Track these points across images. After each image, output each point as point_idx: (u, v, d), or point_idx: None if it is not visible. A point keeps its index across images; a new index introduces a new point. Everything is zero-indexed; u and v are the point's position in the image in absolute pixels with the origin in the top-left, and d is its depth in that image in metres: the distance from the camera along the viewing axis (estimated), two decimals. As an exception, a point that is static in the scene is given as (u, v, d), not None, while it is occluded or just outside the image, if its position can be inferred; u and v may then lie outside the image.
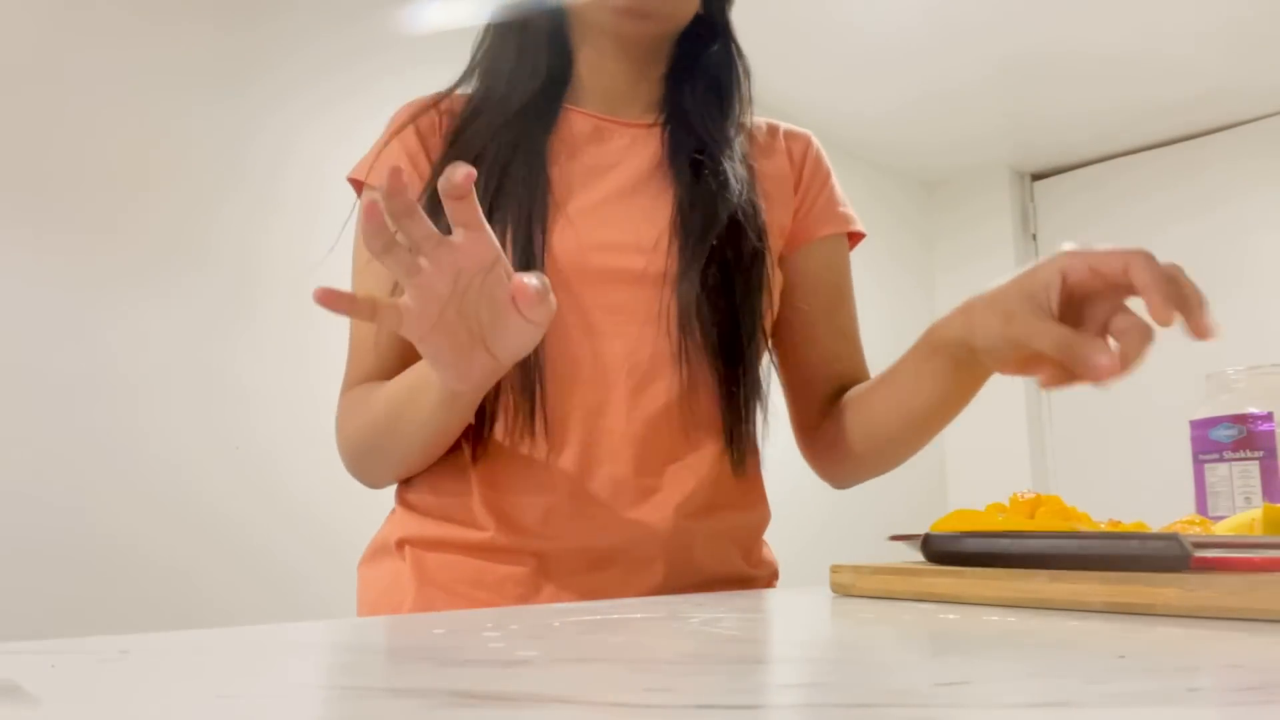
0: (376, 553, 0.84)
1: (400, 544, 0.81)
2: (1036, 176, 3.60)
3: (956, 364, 0.74)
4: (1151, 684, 0.30)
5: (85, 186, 1.64)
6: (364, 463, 0.80)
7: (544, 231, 0.76)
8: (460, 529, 0.78)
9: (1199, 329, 0.56)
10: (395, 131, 0.84)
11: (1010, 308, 0.64)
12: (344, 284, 0.80)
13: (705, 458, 0.80)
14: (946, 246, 3.62)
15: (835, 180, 0.93)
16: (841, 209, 0.92)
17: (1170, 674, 0.32)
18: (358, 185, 0.84)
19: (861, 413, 0.84)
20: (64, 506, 1.56)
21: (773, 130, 0.92)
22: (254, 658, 0.38)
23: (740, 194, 0.82)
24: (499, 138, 0.79)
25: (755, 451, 0.84)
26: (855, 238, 0.94)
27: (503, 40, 0.84)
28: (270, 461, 1.75)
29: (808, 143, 0.93)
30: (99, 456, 1.60)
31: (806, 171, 0.91)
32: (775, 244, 0.86)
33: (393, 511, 0.85)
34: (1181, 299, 0.57)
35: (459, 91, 0.86)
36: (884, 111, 3.08)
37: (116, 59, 1.70)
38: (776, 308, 0.86)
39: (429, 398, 0.69)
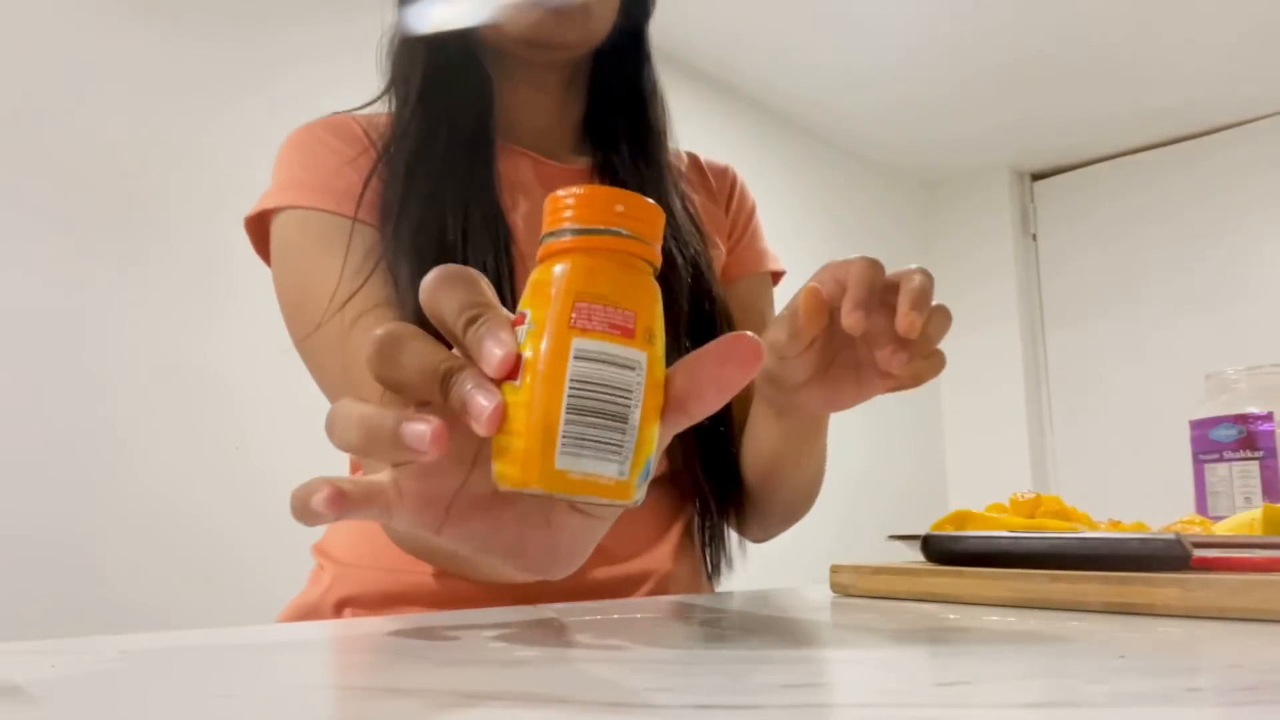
0: (301, 616, 0.73)
1: (340, 606, 0.71)
2: (1036, 176, 3.60)
3: (778, 411, 0.69)
4: (1151, 684, 0.30)
5: (68, 181, 1.64)
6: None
7: (514, 289, 0.68)
8: (424, 579, 0.69)
9: (900, 324, 0.53)
10: (311, 148, 0.73)
11: (771, 330, 0.62)
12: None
13: (684, 510, 0.79)
14: (946, 246, 3.62)
15: (758, 217, 0.89)
16: (762, 246, 0.88)
17: (1170, 674, 0.32)
18: (259, 224, 0.73)
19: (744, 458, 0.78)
20: (47, 505, 1.56)
21: (695, 163, 0.88)
22: (254, 658, 0.38)
23: (694, 253, 0.76)
24: (450, 173, 0.71)
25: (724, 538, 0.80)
26: (777, 277, 0.90)
27: (417, 60, 0.74)
28: (255, 460, 1.74)
29: (733, 176, 0.89)
30: (77, 454, 1.60)
31: (733, 206, 0.87)
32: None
33: (317, 567, 0.76)
34: (882, 301, 0.55)
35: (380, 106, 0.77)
36: (884, 111, 3.08)
37: (131, 68, 1.71)
38: None
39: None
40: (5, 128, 1.57)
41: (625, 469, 0.34)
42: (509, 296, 0.65)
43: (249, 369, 1.76)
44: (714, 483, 0.77)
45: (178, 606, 1.63)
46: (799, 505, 0.80)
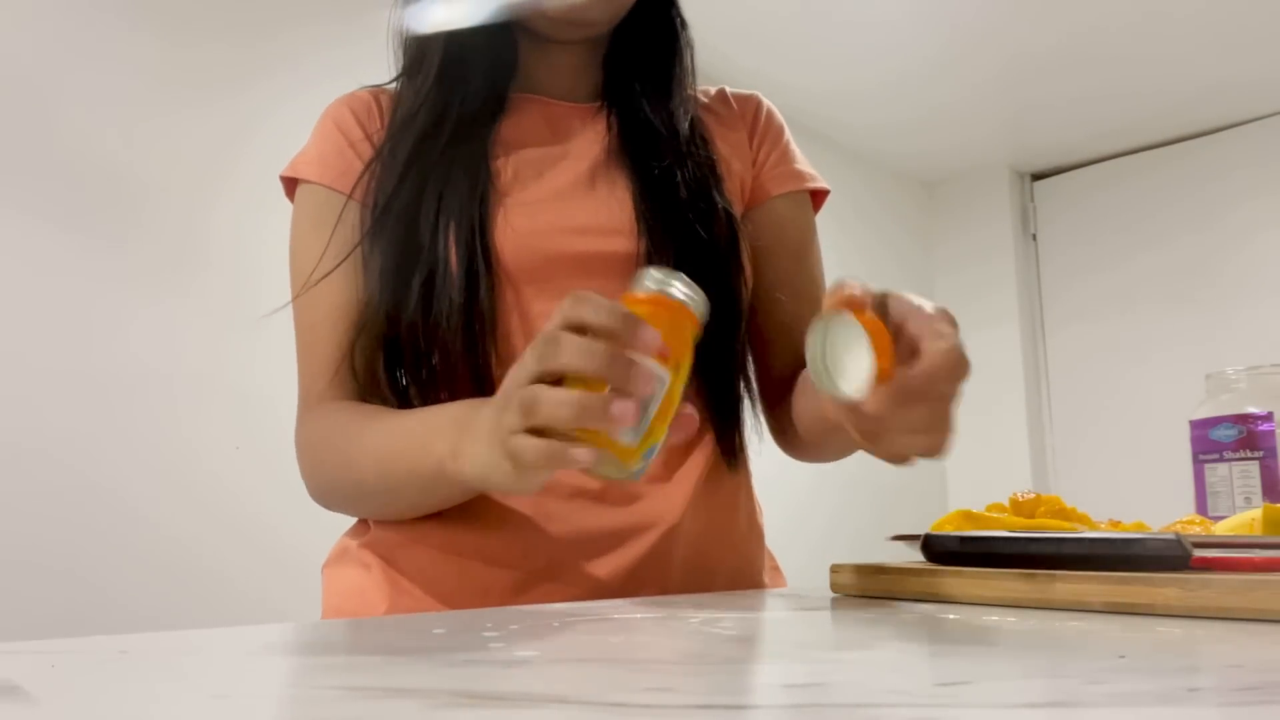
0: (341, 554, 0.79)
1: (365, 546, 0.76)
2: (1036, 176, 3.60)
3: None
4: (1151, 684, 0.30)
5: (91, 192, 1.64)
6: (334, 504, 0.76)
7: (483, 228, 0.73)
8: (435, 524, 0.74)
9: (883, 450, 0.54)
10: (330, 124, 0.81)
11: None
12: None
13: (698, 456, 0.78)
14: (946, 247, 3.62)
15: (790, 138, 0.90)
16: (796, 166, 0.88)
17: (1170, 674, 0.32)
18: (290, 184, 0.81)
19: (797, 405, 0.80)
20: (49, 506, 1.56)
21: (723, 96, 0.90)
22: (253, 657, 0.38)
23: (699, 174, 0.79)
24: (446, 137, 0.76)
25: (744, 448, 0.82)
26: (819, 197, 0.89)
27: (437, 41, 0.79)
28: (255, 461, 1.75)
29: (757, 101, 0.91)
30: (77, 454, 1.60)
31: (759, 129, 0.88)
32: (740, 212, 0.83)
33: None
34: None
35: (395, 85, 0.82)
36: (884, 111, 3.08)
37: (118, 65, 1.71)
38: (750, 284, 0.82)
39: (447, 489, 0.66)
40: (40, 139, 1.57)
41: (635, 441, 0.52)
42: (479, 229, 0.73)
43: (249, 369, 1.76)
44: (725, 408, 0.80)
45: (178, 607, 1.63)
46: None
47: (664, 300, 0.54)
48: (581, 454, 0.51)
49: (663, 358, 0.52)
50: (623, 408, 0.50)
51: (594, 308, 0.52)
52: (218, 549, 1.69)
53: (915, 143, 3.31)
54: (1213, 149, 3.22)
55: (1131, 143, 3.34)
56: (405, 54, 0.82)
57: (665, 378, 0.52)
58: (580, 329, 0.52)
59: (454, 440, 0.61)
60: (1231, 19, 2.58)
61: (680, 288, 0.54)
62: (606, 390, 0.51)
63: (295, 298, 0.78)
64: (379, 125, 0.80)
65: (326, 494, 0.76)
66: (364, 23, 1.97)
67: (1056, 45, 2.71)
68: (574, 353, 0.51)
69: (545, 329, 0.53)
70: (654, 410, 0.52)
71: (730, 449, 0.80)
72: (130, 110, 1.71)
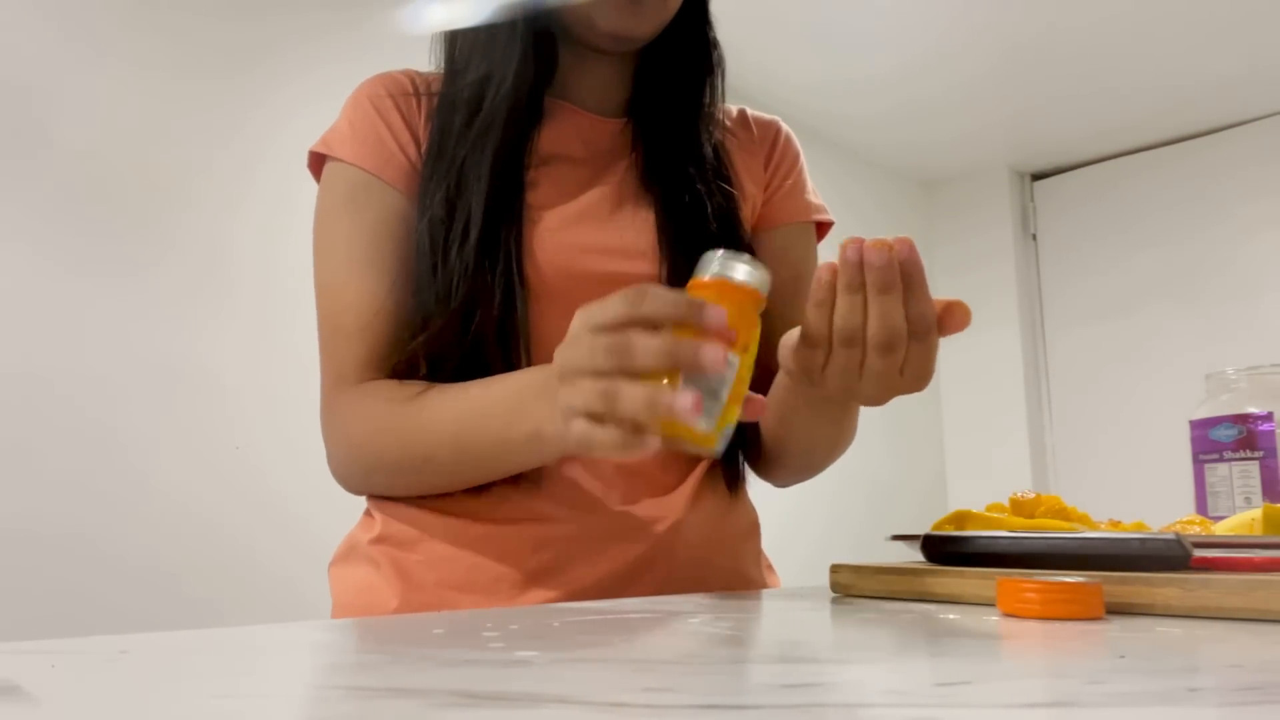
0: (349, 552, 0.79)
1: (374, 542, 0.77)
2: (1036, 176, 3.60)
3: (807, 393, 0.71)
4: (1151, 684, 0.30)
5: (68, 177, 1.64)
6: (375, 481, 0.76)
7: (519, 236, 0.74)
8: (444, 519, 0.75)
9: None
10: (367, 104, 0.80)
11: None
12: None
13: (700, 462, 0.80)
14: (946, 247, 3.62)
15: (804, 167, 0.91)
16: (808, 197, 0.90)
17: (1170, 674, 0.32)
18: (318, 159, 0.80)
19: (767, 425, 0.81)
20: (48, 506, 1.56)
21: (743, 118, 0.91)
22: (254, 658, 0.38)
23: (723, 204, 0.81)
24: (486, 136, 0.76)
25: (744, 474, 0.84)
26: (824, 228, 0.91)
27: (488, 28, 0.79)
28: (255, 460, 1.75)
29: (777, 128, 0.91)
30: (78, 453, 1.60)
31: (775, 156, 0.90)
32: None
33: (366, 510, 0.81)
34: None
35: (433, 75, 0.82)
36: (884, 112, 3.08)
37: (103, 51, 1.71)
38: None
39: (536, 454, 0.67)
40: (10, 125, 1.57)
41: (710, 428, 0.53)
42: (515, 249, 0.74)
43: (249, 369, 1.75)
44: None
45: (177, 606, 1.63)
46: (819, 465, 0.84)
47: (728, 284, 0.55)
48: (654, 444, 0.52)
49: (730, 342, 0.53)
50: (693, 401, 0.51)
51: (659, 301, 0.53)
52: (226, 547, 1.69)
53: (915, 143, 3.31)
54: (1213, 149, 3.22)
55: (1131, 143, 3.34)
56: (446, 49, 0.81)
57: (734, 361, 0.53)
58: (647, 323, 0.53)
59: (551, 408, 0.62)
60: (1232, 17, 2.58)
61: (744, 269, 0.55)
62: (679, 379, 0.52)
63: (321, 281, 0.78)
64: (418, 114, 0.80)
65: (370, 471, 0.74)
66: (391, 26, 1.98)
67: (1056, 44, 2.71)
68: (647, 354, 0.52)
69: (603, 316, 0.54)
70: (725, 394, 0.53)
71: (733, 477, 0.83)
72: (151, 114, 1.71)
